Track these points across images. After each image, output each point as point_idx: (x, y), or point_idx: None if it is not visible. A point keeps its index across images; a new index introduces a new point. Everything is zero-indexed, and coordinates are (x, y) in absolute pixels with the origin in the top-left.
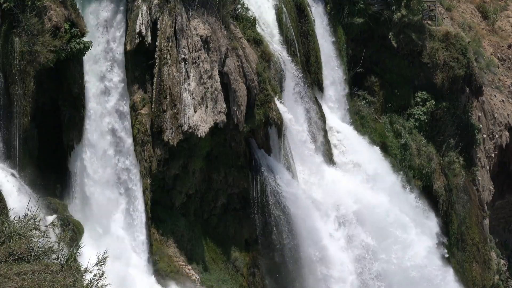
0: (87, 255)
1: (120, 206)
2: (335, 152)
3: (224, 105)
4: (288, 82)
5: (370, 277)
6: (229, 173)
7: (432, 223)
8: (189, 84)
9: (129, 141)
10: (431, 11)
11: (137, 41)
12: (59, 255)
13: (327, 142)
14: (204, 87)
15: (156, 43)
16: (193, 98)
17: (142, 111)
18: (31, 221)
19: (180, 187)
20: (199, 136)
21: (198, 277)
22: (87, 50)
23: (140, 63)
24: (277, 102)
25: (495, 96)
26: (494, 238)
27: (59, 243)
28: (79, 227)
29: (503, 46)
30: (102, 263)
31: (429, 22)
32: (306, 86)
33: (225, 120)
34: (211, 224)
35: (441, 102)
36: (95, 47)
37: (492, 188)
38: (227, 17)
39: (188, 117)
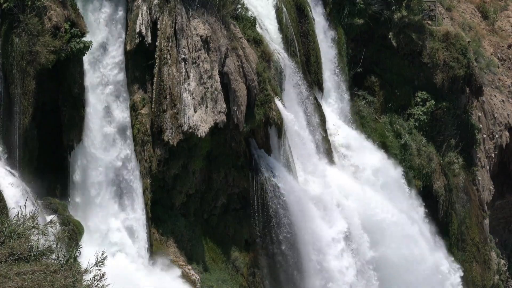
0: (87, 255)
1: (120, 206)
2: (335, 151)
3: (224, 105)
4: (288, 82)
5: (372, 275)
6: (229, 173)
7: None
8: (189, 84)
9: (129, 141)
10: (431, 11)
11: (137, 41)
12: (59, 255)
13: (327, 142)
14: (204, 87)
15: (156, 43)
16: (193, 98)
17: (142, 111)
18: (30, 221)
19: (180, 187)
20: (199, 136)
21: (198, 277)
22: (87, 50)
23: (140, 63)
24: (277, 102)
25: (495, 96)
26: (494, 238)
27: (57, 243)
28: (79, 227)
29: (503, 46)
30: (101, 263)
31: (429, 22)
32: (306, 86)
33: (225, 120)
34: (211, 224)
35: (441, 102)
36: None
37: (492, 188)
38: (227, 17)
39: (188, 117)
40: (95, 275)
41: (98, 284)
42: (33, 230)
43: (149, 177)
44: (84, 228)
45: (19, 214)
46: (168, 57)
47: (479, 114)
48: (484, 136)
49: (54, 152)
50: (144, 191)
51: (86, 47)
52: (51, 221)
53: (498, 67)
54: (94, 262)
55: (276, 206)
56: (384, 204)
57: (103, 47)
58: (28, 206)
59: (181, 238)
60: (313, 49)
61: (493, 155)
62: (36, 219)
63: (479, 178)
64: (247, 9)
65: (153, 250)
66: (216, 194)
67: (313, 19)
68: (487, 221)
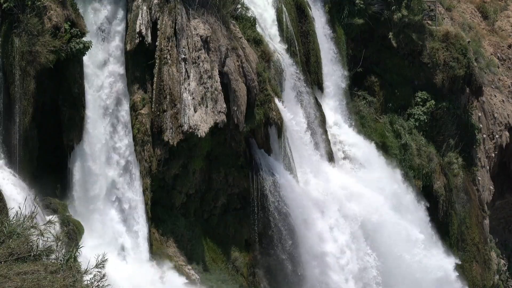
0: (87, 255)
1: (120, 206)
2: (335, 151)
3: (224, 105)
4: (288, 82)
5: (371, 277)
6: (229, 173)
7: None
8: (189, 84)
9: (129, 141)
10: (431, 11)
11: (137, 41)
12: (58, 255)
13: (327, 141)
14: (204, 87)
15: (156, 43)
16: (193, 98)
17: (142, 111)
18: (29, 220)
19: (180, 187)
20: (199, 136)
21: (198, 277)
22: (87, 50)
23: (140, 63)
24: (277, 102)
25: (495, 96)
26: (494, 238)
27: (57, 244)
28: (79, 227)
29: (503, 46)
30: (102, 265)
31: (429, 22)
32: (306, 86)
33: (225, 120)
34: (211, 224)
35: (441, 102)
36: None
37: (492, 188)
38: (227, 17)
39: (188, 117)
40: (95, 275)
41: (98, 284)
42: (32, 230)
43: (149, 177)
44: (84, 228)
45: (18, 214)
46: (168, 57)
47: (479, 114)
48: (484, 136)
49: (54, 152)
50: (144, 191)
51: (86, 47)
52: (49, 221)
53: (498, 67)
54: (94, 264)
55: (276, 206)
56: (384, 204)
57: None
58: (28, 206)
59: (181, 238)
60: (313, 49)
61: (493, 155)
62: (35, 218)
63: (479, 178)
64: (247, 9)
65: (153, 250)
66: (216, 194)
67: (313, 19)
68: (487, 221)
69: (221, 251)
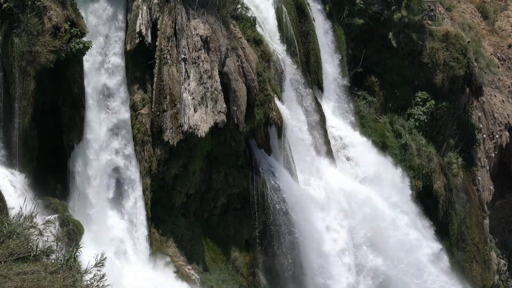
0: (87, 255)
1: (120, 206)
2: (335, 151)
3: (224, 105)
4: (288, 82)
5: (368, 276)
6: (229, 173)
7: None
8: (189, 84)
9: (129, 141)
10: (431, 11)
11: (137, 41)
12: (59, 255)
13: (327, 142)
14: (204, 87)
15: (156, 43)
16: (193, 98)
17: (142, 111)
18: (29, 220)
19: (180, 187)
20: (199, 136)
21: (198, 277)
22: (87, 50)
23: (140, 63)
24: (277, 102)
25: (495, 96)
26: (494, 238)
27: (57, 244)
28: (79, 227)
29: (503, 46)
30: (101, 264)
31: (429, 22)
32: (306, 86)
33: (225, 120)
34: (211, 224)
35: (441, 102)
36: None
37: (492, 188)
38: (227, 17)
39: (188, 117)
40: (94, 275)
41: (98, 284)
42: (32, 230)
43: (149, 177)
44: (84, 228)
45: (18, 214)
46: (168, 57)
47: (479, 114)
48: (484, 136)
49: (54, 152)
50: (144, 191)
51: (86, 47)
52: (48, 220)
53: (498, 67)
54: (93, 263)
55: (276, 206)
56: (384, 205)
57: None
58: (28, 206)
59: (181, 238)
60: (313, 49)
61: (493, 155)
62: (35, 218)
63: (479, 178)
64: (247, 9)
65: (153, 250)
66: (216, 194)
67: (313, 19)
68: (487, 221)
69: (221, 251)
